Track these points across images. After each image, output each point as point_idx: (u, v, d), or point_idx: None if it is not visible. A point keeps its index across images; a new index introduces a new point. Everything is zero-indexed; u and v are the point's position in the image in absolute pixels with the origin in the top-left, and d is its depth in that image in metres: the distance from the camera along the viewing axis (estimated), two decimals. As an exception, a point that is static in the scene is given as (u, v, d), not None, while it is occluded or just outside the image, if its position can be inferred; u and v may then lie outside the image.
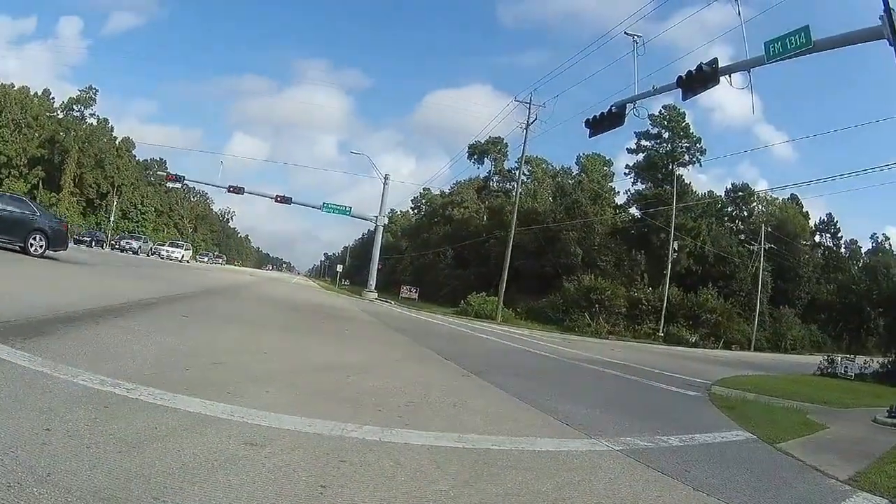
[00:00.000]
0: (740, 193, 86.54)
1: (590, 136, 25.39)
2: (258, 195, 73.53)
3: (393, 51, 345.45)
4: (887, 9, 13.92)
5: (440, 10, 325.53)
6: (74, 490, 3.12)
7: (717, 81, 19.69)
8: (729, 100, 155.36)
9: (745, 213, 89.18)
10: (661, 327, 55.16)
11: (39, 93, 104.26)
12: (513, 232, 55.34)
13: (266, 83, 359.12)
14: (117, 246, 67.87)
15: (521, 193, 66.75)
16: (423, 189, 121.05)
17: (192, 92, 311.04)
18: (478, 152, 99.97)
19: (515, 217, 56.62)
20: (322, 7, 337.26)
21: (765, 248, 68.06)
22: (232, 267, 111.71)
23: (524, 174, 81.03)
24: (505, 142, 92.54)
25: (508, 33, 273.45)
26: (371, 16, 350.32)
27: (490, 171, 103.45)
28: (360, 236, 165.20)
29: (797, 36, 16.71)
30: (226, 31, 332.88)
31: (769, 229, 71.71)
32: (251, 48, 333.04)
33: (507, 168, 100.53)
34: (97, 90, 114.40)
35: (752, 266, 68.44)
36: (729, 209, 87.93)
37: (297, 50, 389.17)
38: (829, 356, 28.58)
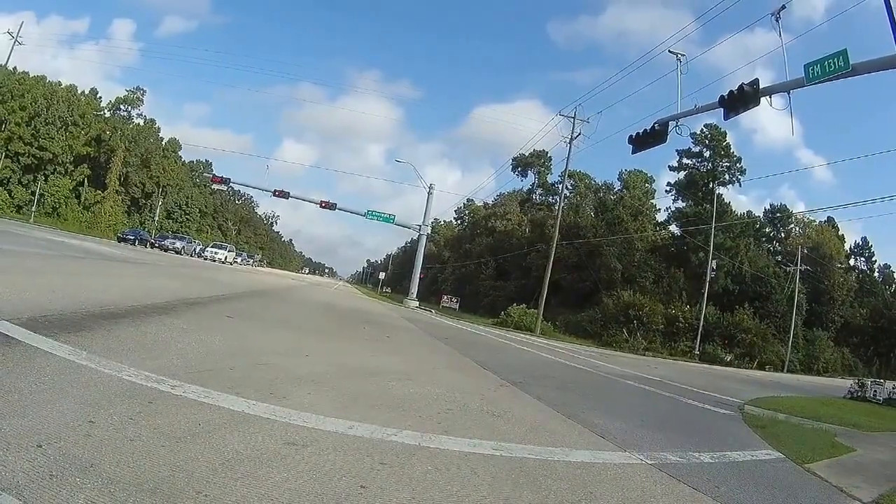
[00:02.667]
0: (778, 215, 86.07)
1: (633, 153, 25.59)
2: (303, 200, 74.07)
3: (445, 64, 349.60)
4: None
5: (493, 27, 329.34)
6: (117, 481, 3.18)
7: (757, 102, 19.85)
8: (769, 123, 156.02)
9: (783, 235, 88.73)
10: (697, 345, 54.62)
11: (87, 91, 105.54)
12: (554, 245, 55.05)
13: (320, 92, 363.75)
14: (157, 245, 68.18)
15: (563, 207, 66.53)
16: (467, 200, 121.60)
17: (247, 98, 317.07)
18: (521, 165, 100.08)
19: (557, 231, 56.35)
20: (379, 20, 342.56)
21: (800, 270, 67.46)
22: (263, 269, 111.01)
23: (567, 188, 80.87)
24: (549, 155, 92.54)
25: (559, 51, 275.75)
26: (426, 30, 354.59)
27: (533, 184, 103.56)
28: (403, 245, 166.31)
29: (836, 59, 16.85)
30: (286, 40, 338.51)
31: (805, 251, 71.19)
32: (311, 57, 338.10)
33: (550, 182, 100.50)
34: (144, 91, 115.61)
35: (788, 288, 67.76)
36: (767, 230, 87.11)
37: (353, 60, 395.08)
38: (859, 380, 28.23)
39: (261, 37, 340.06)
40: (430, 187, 67.29)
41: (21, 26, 70.56)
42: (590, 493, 4.85)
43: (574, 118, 52.69)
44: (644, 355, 46.07)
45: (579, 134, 52.99)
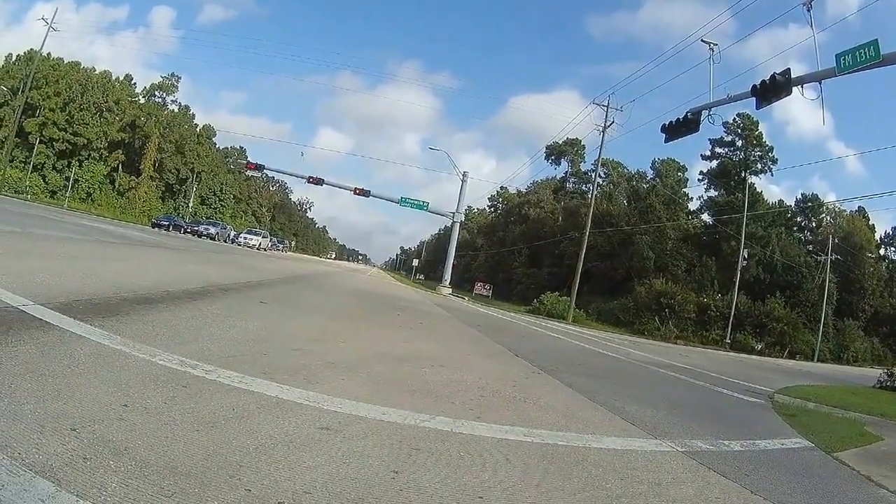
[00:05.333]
0: (809, 204, 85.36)
1: (665, 142, 25.72)
2: (337, 187, 73.74)
3: (484, 55, 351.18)
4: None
5: (533, 20, 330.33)
6: (151, 464, 3.17)
7: (789, 91, 19.91)
8: (801, 115, 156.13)
9: (814, 224, 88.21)
10: (728, 334, 54.52)
11: (121, 78, 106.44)
12: (587, 233, 54.91)
13: (359, 81, 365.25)
14: (190, 231, 68.38)
15: (596, 195, 66.27)
16: (501, 188, 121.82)
17: (285, 86, 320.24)
18: (555, 153, 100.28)
19: (590, 219, 56.11)
20: (420, 11, 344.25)
21: (831, 260, 67.21)
22: (292, 254, 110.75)
23: (600, 176, 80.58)
24: (582, 143, 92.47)
25: (597, 44, 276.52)
26: (467, 21, 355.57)
27: (567, 172, 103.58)
28: (437, 232, 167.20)
29: (867, 49, 16.98)
30: (326, 30, 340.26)
31: (836, 241, 70.76)
32: (352, 47, 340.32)
33: (583, 170, 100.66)
34: (179, 77, 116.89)
35: (819, 277, 67.48)
36: (798, 219, 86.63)
37: (393, 50, 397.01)
38: (888, 369, 27.91)
39: (302, 27, 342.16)
40: (464, 175, 67.02)
41: (55, 13, 71.39)
42: (621, 479, 4.82)
43: (608, 107, 52.59)
44: (675, 343, 46.05)
45: (612, 122, 52.99)
